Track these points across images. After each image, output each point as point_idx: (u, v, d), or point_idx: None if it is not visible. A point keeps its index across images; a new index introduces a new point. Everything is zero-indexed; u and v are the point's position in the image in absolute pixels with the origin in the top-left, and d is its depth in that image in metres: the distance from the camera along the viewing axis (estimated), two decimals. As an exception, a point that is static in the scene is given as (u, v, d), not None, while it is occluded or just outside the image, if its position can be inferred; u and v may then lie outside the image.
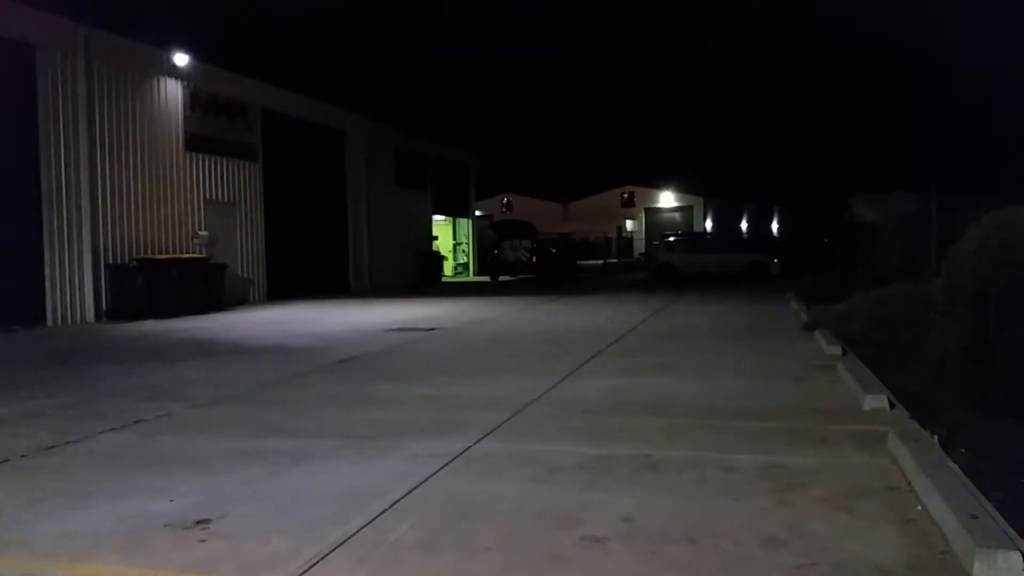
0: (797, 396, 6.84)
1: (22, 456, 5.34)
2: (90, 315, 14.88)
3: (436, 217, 32.31)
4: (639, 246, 67.31)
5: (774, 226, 76.26)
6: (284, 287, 20.34)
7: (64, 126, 14.48)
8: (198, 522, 3.90)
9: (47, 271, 14.32)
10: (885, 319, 10.95)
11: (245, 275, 19.10)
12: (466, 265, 36.22)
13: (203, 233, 17.46)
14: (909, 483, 4.24)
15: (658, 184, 72.07)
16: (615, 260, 56.14)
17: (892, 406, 6.06)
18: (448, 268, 33.36)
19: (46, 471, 5.00)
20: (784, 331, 11.90)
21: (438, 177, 31.70)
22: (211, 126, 18.11)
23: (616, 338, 11.09)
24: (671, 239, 30.00)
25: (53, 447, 5.56)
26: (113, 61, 15.46)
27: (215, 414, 6.63)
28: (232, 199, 18.90)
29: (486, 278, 32.94)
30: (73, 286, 14.66)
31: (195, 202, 17.59)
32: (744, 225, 72.92)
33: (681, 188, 71.50)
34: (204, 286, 16.27)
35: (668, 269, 27.50)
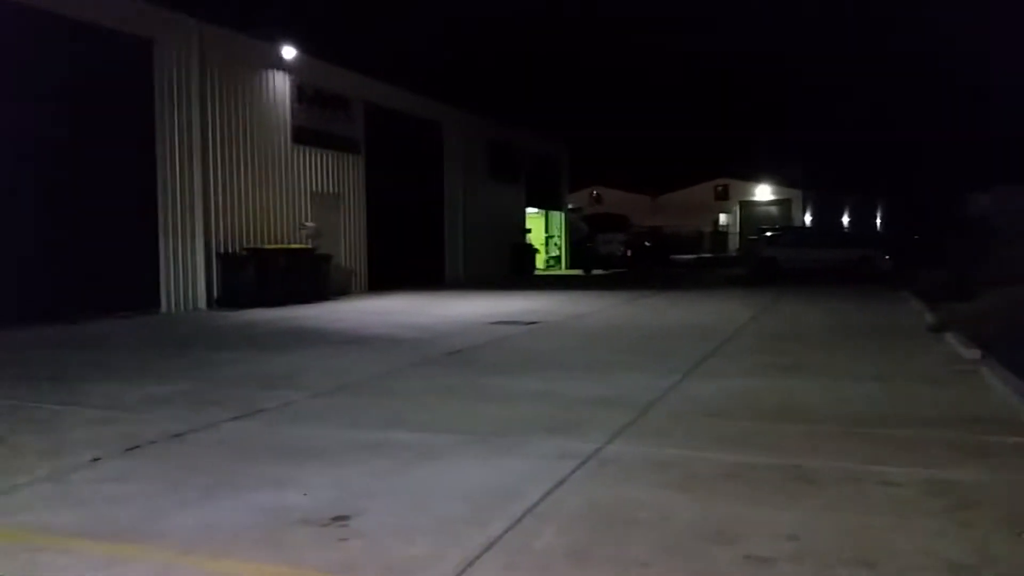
0: (943, 403, 6.33)
1: (151, 442, 5.41)
2: (202, 302, 15.34)
3: (529, 210, 32.18)
4: (733, 240, 65.67)
5: (876, 220, 73.14)
6: (383, 278, 20.57)
7: (179, 118, 14.94)
8: (335, 518, 3.80)
9: (162, 259, 14.82)
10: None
11: (347, 265, 19.39)
12: (558, 258, 35.96)
13: (310, 224, 17.78)
14: (1106, 508, 3.79)
15: (754, 177, 70.09)
16: (709, 255, 54.84)
17: (1059, 418, 5.52)
18: (540, 261, 33.20)
19: (176, 459, 5.04)
20: (908, 332, 11.20)
21: (531, 169, 31.55)
22: (316, 119, 18.42)
23: (728, 336, 10.66)
24: (774, 233, 28.97)
25: (180, 434, 5.62)
26: (225, 55, 15.86)
27: (335, 404, 6.61)
28: (336, 191, 19.21)
29: (579, 271, 32.64)
30: (186, 274, 15.14)
31: (301, 194, 17.94)
32: (845, 219, 70.20)
33: (778, 181, 69.35)
34: (310, 276, 16.57)
35: (770, 264, 26.53)
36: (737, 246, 63.47)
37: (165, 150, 14.79)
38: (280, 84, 17.34)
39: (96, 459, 4.99)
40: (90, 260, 13.44)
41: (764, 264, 26.91)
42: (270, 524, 3.77)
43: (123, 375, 8.09)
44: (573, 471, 4.46)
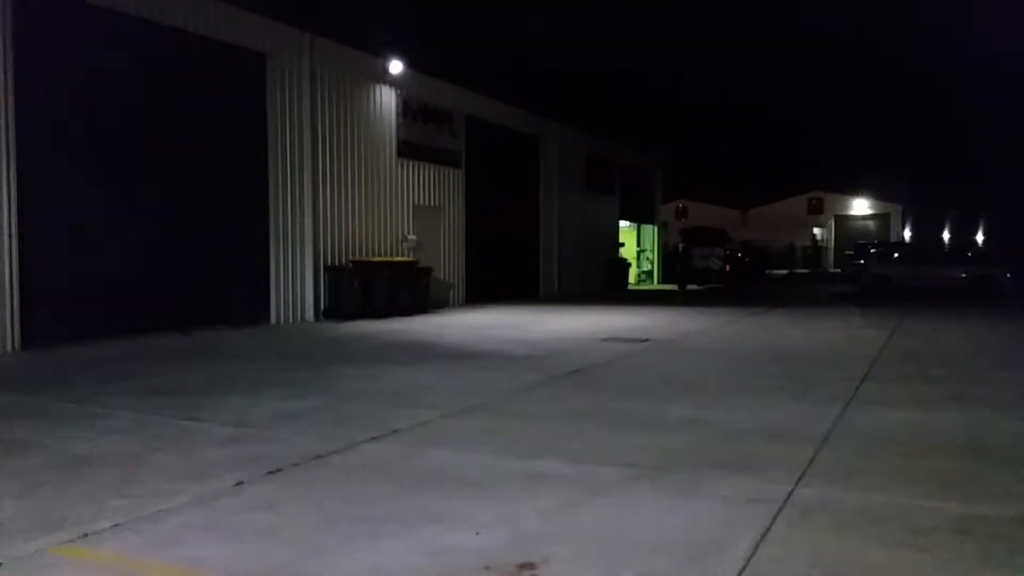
0: None
1: (294, 465, 5.12)
2: (309, 314, 15.33)
3: (620, 223, 31.52)
4: (827, 256, 63.31)
5: (978, 236, 69.49)
6: (480, 291, 20.34)
7: (290, 132, 14.99)
8: (521, 567, 3.37)
9: (272, 271, 14.87)
10: None
11: (447, 279, 19.20)
12: (650, 273, 35.13)
13: (412, 237, 17.67)
14: None
15: (850, 190, 67.56)
16: (803, 270, 52.91)
17: None
18: (631, 275, 32.47)
19: (323, 485, 4.72)
20: (1072, 359, 10.17)
21: (625, 182, 30.94)
22: (420, 133, 18.33)
23: (870, 360, 9.86)
24: (885, 248, 27.49)
25: (320, 456, 5.32)
26: (334, 68, 15.89)
27: (472, 426, 6.22)
28: (437, 205, 19.07)
29: (672, 286, 31.77)
30: (295, 286, 15.15)
31: (405, 207, 17.85)
32: (946, 235, 66.89)
33: (876, 195, 66.65)
34: (412, 289, 16.43)
35: (881, 282, 25.11)
36: (832, 261, 61.17)
37: (277, 163, 14.87)
38: (386, 98, 17.30)
39: (239, 483, 4.72)
40: (202, 271, 13.56)
41: (875, 282, 25.48)
42: (452, 571, 3.36)
43: (246, 389, 7.93)
44: (773, 519, 3.92)
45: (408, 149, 17.88)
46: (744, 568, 3.32)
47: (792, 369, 9.29)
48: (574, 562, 3.41)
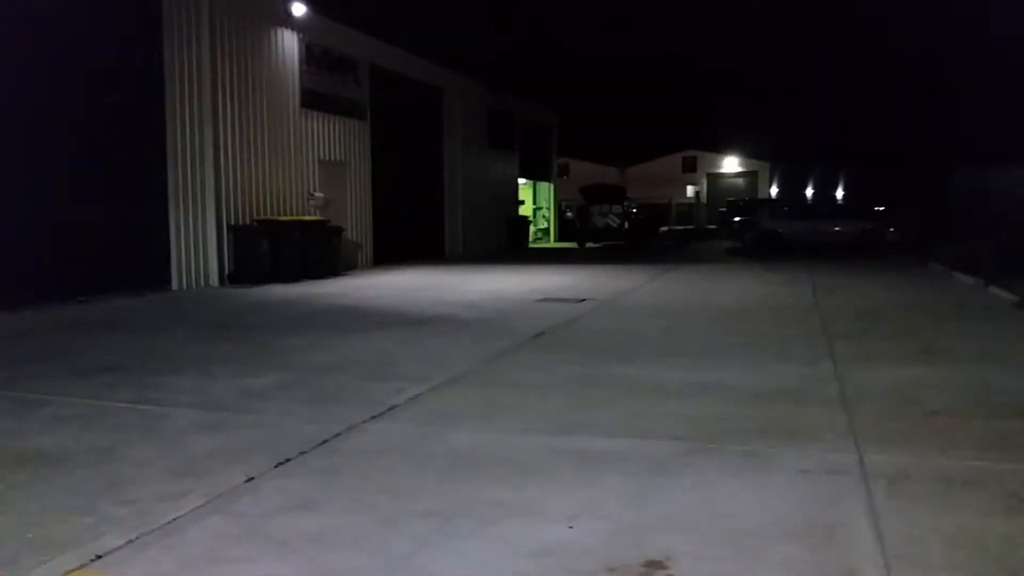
0: None
1: (301, 453, 4.52)
2: (213, 279, 14.19)
3: (519, 180, 31.22)
4: (702, 212, 65.49)
5: (839, 192, 73.76)
6: (389, 252, 19.59)
7: (188, 82, 13.66)
8: (648, 565, 3.00)
9: (172, 233, 13.65)
10: None
11: (355, 239, 18.32)
12: (546, 231, 35.13)
13: (319, 195, 16.66)
14: None
15: (721, 148, 69.88)
16: (685, 227, 54.40)
17: None
18: (529, 233, 32.33)
19: (350, 475, 4.16)
20: (993, 309, 10.72)
21: (524, 138, 30.59)
22: (325, 82, 17.21)
23: (818, 315, 10.04)
24: (775, 204, 28.53)
25: (326, 440, 4.74)
26: (234, 10, 14.55)
27: (471, 399, 5.75)
28: (342, 160, 18.06)
29: (570, 244, 31.90)
30: (197, 248, 13.95)
31: (310, 162, 16.77)
32: (809, 191, 70.67)
33: (745, 152, 69.34)
34: (323, 250, 15.53)
35: (771, 236, 26.09)
36: (706, 219, 63.30)
37: (175, 115, 13.54)
38: (289, 43, 16.09)
39: (250, 479, 4.09)
40: (96, 233, 12.22)
41: (766, 237, 26.47)
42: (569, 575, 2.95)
43: (190, 364, 7.11)
44: (868, 492, 3.71)
45: (313, 99, 16.77)
46: (883, 549, 3.08)
47: (748, 326, 9.30)
48: (703, 557, 3.07)
